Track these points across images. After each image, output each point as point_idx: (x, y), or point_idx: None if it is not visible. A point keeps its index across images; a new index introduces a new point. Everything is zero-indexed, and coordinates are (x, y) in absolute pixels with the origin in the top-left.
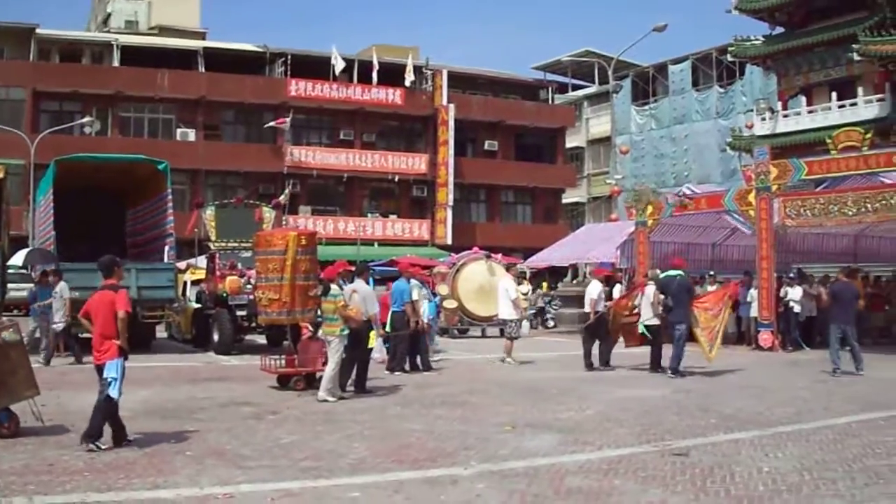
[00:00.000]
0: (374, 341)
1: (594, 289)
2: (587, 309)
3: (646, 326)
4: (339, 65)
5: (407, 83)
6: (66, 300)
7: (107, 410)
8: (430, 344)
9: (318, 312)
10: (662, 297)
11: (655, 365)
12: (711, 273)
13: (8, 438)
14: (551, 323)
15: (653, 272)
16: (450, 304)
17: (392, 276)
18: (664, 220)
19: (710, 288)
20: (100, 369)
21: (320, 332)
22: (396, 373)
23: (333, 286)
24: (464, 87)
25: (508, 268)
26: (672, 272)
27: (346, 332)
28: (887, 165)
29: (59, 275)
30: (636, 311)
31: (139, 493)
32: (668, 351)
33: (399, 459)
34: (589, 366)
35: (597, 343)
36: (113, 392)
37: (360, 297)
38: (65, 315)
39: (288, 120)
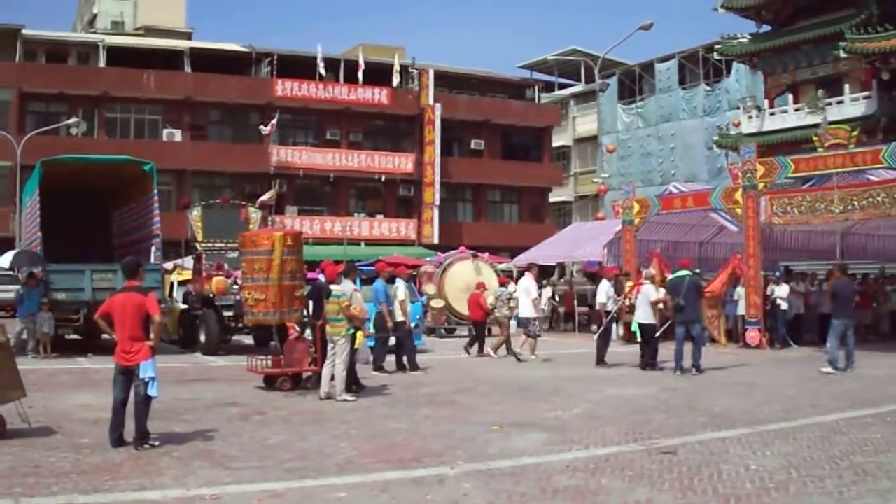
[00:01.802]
0: (361, 342)
1: (603, 289)
2: (598, 308)
3: (639, 325)
4: (321, 66)
5: (394, 83)
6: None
7: (147, 409)
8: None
9: (305, 312)
10: (670, 298)
11: (649, 362)
12: (698, 271)
13: None
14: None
15: (647, 272)
16: (437, 303)
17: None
18: (651, 218)
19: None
20: (128, 371)
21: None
22: (373, 372)
23: (335, 287)
24: (450, 86)
25: (530, 267)
26: (682, 272)
27: (352, 331)
28: (874, 163)
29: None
30: (631, 309)
31: (126, 495)
32: (666, 351)
33: (385, 459)
34: (601, 362)
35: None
36: (153, 391)
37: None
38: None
39: (275, 121)
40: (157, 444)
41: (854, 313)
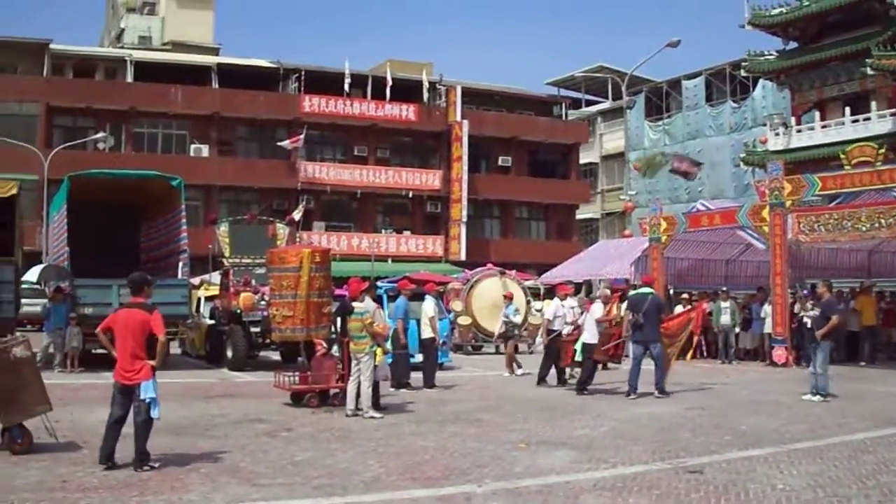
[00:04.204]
0: (380, 358)
1: (550, 308)
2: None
3: (584, 345)
4: (349, 82)
5: (424, 99)
6: None
7: (148, 430)
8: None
9: (332, 329)
10: (631, 315)
11: (582, 385)
12: (724, 289)
13: (21, 454)
14: None
15: (602, 291)
16: (464, 320)
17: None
18: (678, 235)
19: (678, 308)
20: (128, 389)
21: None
22: (391, 389)
23: (358, 304)
24: (477, 102)
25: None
26: (644, 290)
27: (376, 348)
28: None
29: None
30: (577, 329)
31: None
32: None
33: (413, 477)
34: (541, 381)
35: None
36: (154, 413)
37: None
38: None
39: (302, 136)
40: (156, 465)
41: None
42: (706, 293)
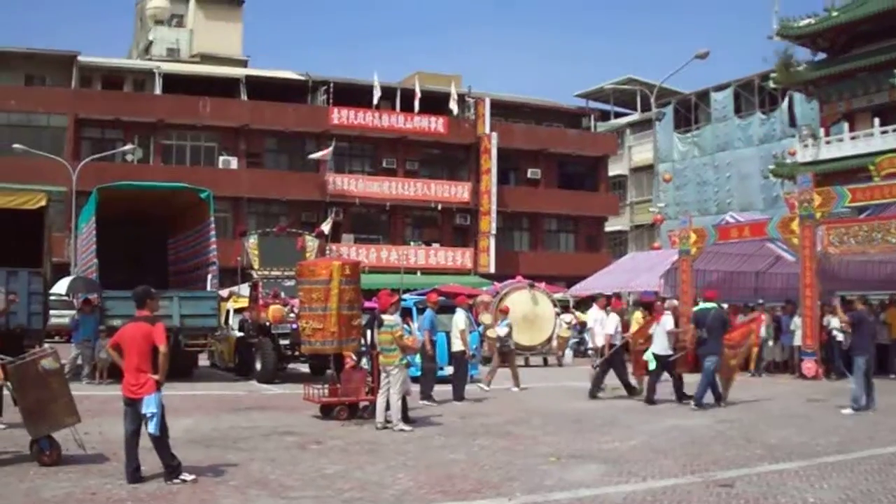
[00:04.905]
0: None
1: (612, 322)
2: (600, 343)
3: (655, 356)
4: (377, 94)
5: (454, 112)
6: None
7: (163, 443)
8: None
9: (362, 342)
10: (696, 329)
11: (680, 395)
12: (760, 302)
13: (50, 466)
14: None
15: (669, 302)
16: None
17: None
18: (707, 248)
19: (741, 318)
20: (134, 403)
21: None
22: (421, 402)
23: (387, 316)
24: (506, 115)
25: (597, 298)
26: (707, 305)
27: (405, 361)
28: None
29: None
30: (648, 340)
31: None
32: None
33: (443, 490)
34: (593, 396)
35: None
36: (153, 429)
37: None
38: None
39: (331, 149)
40: (189, 478)
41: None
42: (760, 305)
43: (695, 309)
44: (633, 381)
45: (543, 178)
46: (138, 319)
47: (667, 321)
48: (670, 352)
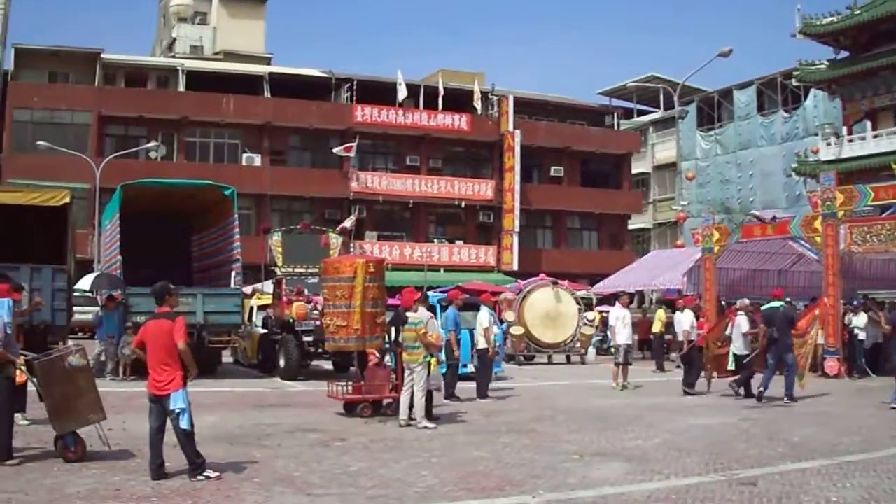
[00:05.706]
0: (434, 368)
1: (687, 319)
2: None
3: (735, 356)
4: (401, 92)
5: (478, 110)
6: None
7: (189, 439)
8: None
9: (386, 339)
10: (766, 328)
11: (742, 385)
12: (788, 300)
13: (75, 462)
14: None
15: (741, 302)
16: (516, 330)
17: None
18: (730, 246)
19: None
20: (160, 400)
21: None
22: (445, 400)
23: (412, 314)
24: (529, 112)
25: (619, 296)
26: (775, 303)
27: (429, 359)
28: None
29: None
30: (726, 341)
31: None
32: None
33: (467, 488)
34: (689, 389)
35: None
36: (184, 424)
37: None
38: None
39: (354, 146)
40: (213, 475)
41: None
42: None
43: (763, 308)
44: (699, 382)
45: (566, 176)
46: (158, 316)
47: (742, 322)
48: (747, 351)
